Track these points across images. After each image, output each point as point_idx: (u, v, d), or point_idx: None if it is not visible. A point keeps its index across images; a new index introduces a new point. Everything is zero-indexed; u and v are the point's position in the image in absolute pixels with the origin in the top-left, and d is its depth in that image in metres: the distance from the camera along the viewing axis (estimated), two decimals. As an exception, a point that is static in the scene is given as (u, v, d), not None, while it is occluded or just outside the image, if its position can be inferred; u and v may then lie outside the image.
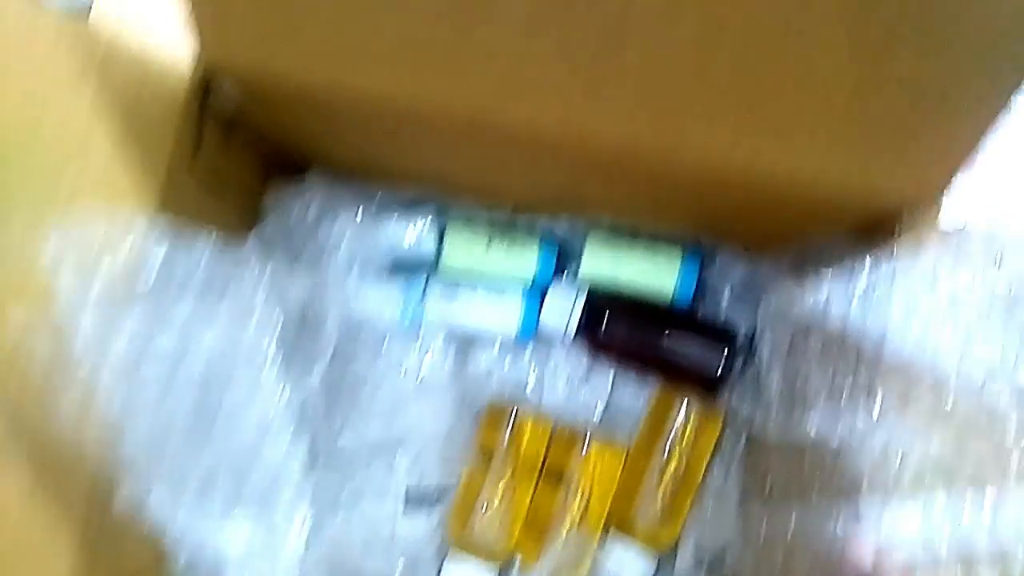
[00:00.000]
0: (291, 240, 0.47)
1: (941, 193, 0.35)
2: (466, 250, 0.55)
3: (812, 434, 0.37)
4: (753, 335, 0.52)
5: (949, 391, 0.34)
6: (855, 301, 0.35)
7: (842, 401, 0.36)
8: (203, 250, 0.34)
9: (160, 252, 0.33)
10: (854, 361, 0.35)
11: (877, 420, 0.34)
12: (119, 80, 0.36)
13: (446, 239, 0.55)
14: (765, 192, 0.38)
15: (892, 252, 0.36)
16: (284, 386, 0.36)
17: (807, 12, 0.29)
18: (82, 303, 0.31)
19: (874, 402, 0.35)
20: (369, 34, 0.35)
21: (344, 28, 0.35)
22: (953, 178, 0.34)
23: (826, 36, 0.30)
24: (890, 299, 0.34)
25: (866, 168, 0.34)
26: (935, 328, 0.34)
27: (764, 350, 0.40)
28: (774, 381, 0.39)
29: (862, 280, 0.34)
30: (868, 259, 0.35)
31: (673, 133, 0.35)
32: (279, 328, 0.35)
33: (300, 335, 0.43)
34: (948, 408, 0.34)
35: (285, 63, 0.36)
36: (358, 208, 0.52)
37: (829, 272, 0.38)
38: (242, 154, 0.45)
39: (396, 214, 0.54)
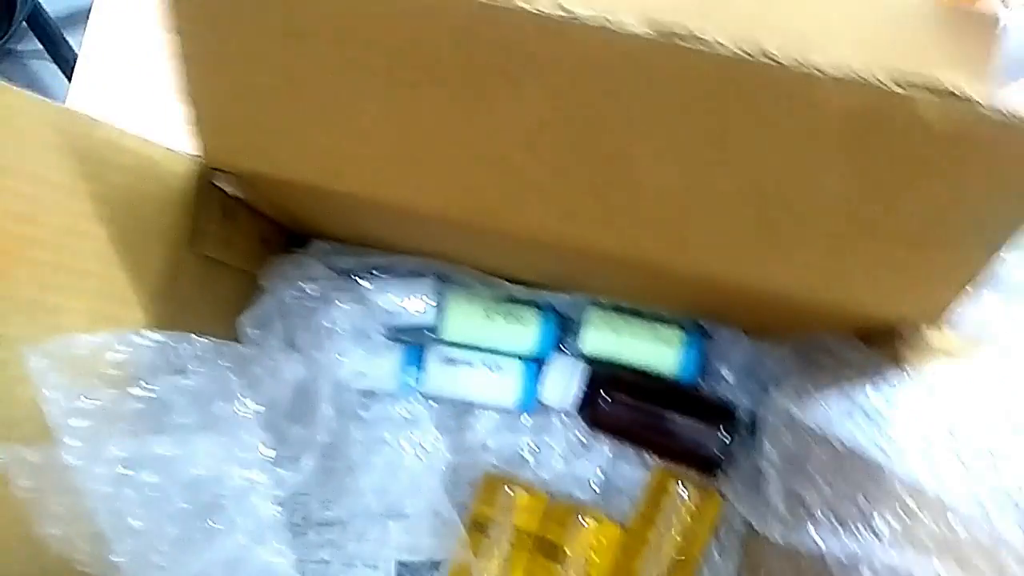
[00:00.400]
0: (287, 315, 0.46)
1: (944, 314, 0.34)
2: (466, 320, 0.54)
3: (813, 546, 0.37)
4: (754, 416, 0.51)
5: (953, 516, 0.33)
6: (857, 419, 0.34)
7: (844, 518, 0.35)
8: (194, 352, 0.34)
9: (150, 358, 0.32)
10: (857, 479, 0.35)
11: (880, 542, 0.34)
12: (118, 175, 0.36)
13: (446, 309, 0.54)
14: (766, 298, 0.37)
15: (895, 367, 0.35)
16: (276, 483, 0.36)
17: (813, 145, 0.29)
18: (69, 414, 0.31)
19: (876, 523, 0.34)
20: (370, 142, 0.34)
21: (345, 135, 0.34)
22: (957, 300, 0.33)
23: (832, 168, 0.29)
24: (893, 420, 0.34)
25: (868, 289, 0.33)
26: (938, 450, 0.34)
27: (767, 453, 0.39)
28: (776, 486, 0.39)
29: (865, 398, 0.34)
30: (870, 377, 0.35)
31: (676, 246, 0.35)
32: (269, 425, 0.35)
33: (293, 416, 0.43)
34: (952, 533, 0.33)
35: (284, 165, 0.36)
36: (356, 279, 0.51)
37: (831, 379, 0.37)
38: (240, 235, 0.45)
39: (395, 284, 0.53)
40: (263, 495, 0.35)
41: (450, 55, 0.30)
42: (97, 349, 0.32)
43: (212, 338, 0.36)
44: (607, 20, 0.28)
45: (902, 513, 0.34)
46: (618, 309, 0.54)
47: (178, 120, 0.35)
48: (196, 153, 0.38)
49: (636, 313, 0.53)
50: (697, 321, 0.52)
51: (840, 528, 0.34)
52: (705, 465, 0.53)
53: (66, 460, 0.30)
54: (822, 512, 0.36)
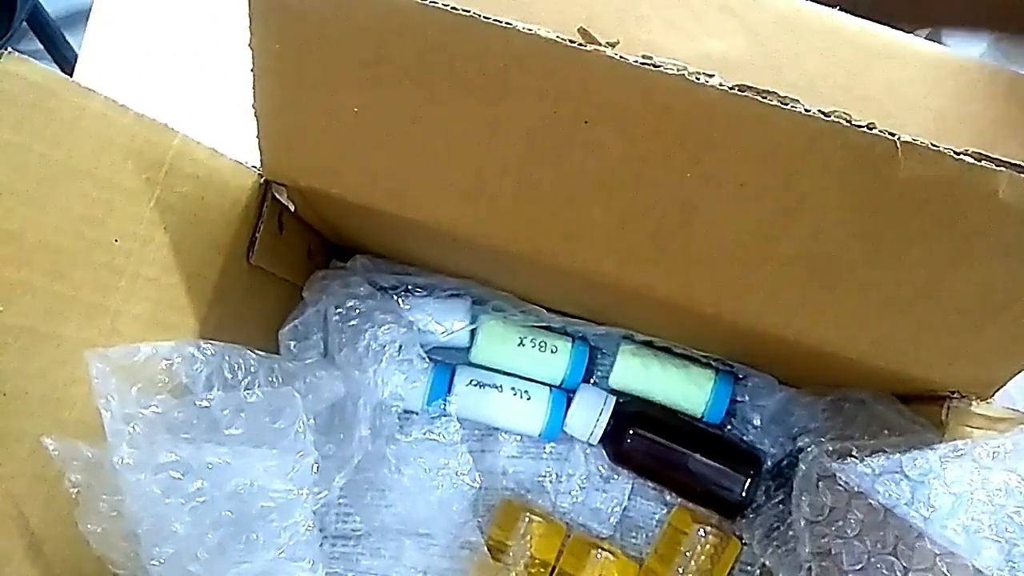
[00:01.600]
0: (328, 330, 0.46)
1: (994, 390, 0.34)
2: (498, 345, 0.55)
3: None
4: (779, 463, 0.51)
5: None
6: (898, 482, 0.34)
7: (875, 576, 0.35)
8: (247, 366, 0.34)
9: (206, 369, 0.33)
10: (891, 539, 0.35)
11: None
12: (185, 184, 0.36)
13: (479, 333, 0.54)
14: (814, 353, 0.37)
15: (937, 432, 0.35)
16: (315, 502, 0.36)
17: (884, 212, 0.29)
18: (125, 419, 0.31)
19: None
20: (438, 172, 0.35)
21: (414, 163, 0.35)
22: (1010, 377, 0.33)
23: (902, 236, 0.30)
24: (933, 486, 0.34)
25: (923, 358, 0.34)
26: (976, 518, 0.34)
27: (799, 504, 0.39)
28: (806, 538, 0.39)
29: (908, 461, 0.34)
30: (913, 440, 0.35)
31: (730, 297, 0.35)
32: (314, 450, 0.35)
33: (329, 434, 0.43)
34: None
35: (347, 186, 0.36)
36: (395, 297, 0.51)
37: (869, 437, 0.38)
38: (288, 247, 0.45)
39: (433, 304, 0.53)
40: (305, 511, 0.35)
41: (533, 98, 0.31)
42: (155, 358, 0.33)
43: (263, 352, 0.36)
44: (687, 71, 0.29)
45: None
46: (650, 345, 0.54)
47: (179, 120, 0.36)
48: (254, 165, 0.39)
49: (668, 351, 0.54)
50: (729, 363, 0.52)
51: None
52: (726, 509, 0.53)
53: (117, 461, 0.30)
54: (853, 569, 0.36)
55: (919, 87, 0.29)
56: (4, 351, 0.31)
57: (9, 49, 0.28)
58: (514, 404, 0.54)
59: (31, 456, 0.32)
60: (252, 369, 0.35)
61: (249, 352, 0.36)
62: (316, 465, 0.35)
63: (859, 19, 0.29)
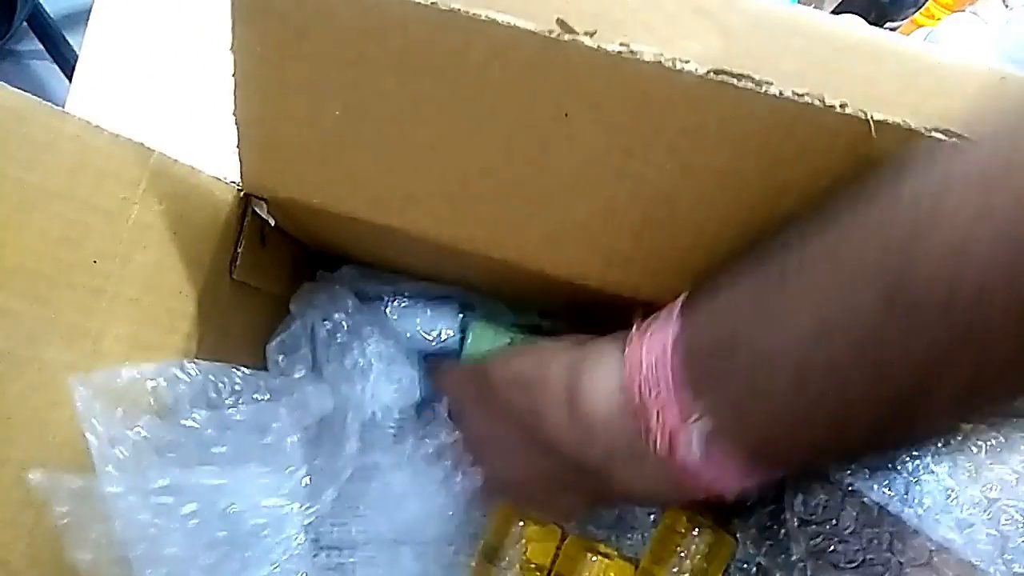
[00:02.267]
0: (316, 343, 0.46)
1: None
2: (488, 348, 0.54)
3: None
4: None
5: (980, 577, 0.34)
6: (893, 480, 0.34)
7: (871, 573, 0.35)
8: (233, 384, 0.34)
9: (191, 390, 0.33)
10: (885, 537, 0.35)
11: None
12: (165, 202, 0.36)
13: (469, 336, 0.54)
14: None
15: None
16: (305, 517, 0.36)
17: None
18: (112, 442, 0.31)
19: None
20: (418, 177, 0.34)
21: (395, 169, 0.34)
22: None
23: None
24: (928, 483, 0.34)
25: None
26: (972, 514, 0.34)
27: (793, 502, 0.39)
28: (799, 536, 0.39)
29: (898, 462, 0.34)
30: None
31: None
32: (303, 464, 0.35)
33: (319, 448, 0.43)
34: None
35: (329, 196, 0.36)
36: (383, 307, 0.51)
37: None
38: (271, 261, 0.45)
39: (421, 311, 0.53)
40: (297, 526, 0.35)
41: (514, 92, 0.31)
42: (139, 380, 0.32)
43: (249, 369, 0.36)
44: (663, 56, 0.29)
45: (931, 572, 0.34)
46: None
47: (178, 118, 0.35)
48: (232, 180, 0.39)
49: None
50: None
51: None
52: (722, 508, 0.53)
53: (106, 489, 0.30)
54: (847, 567, 0.36)
55: (895, 83, 0.29)
56: (-15, 377, 0.30)
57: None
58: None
59: (16, 483, 0.32)
60: (238, 387, 0.35)
61: (234, 370, 0.36)
62: (307, 479, 0.35)
63: (833, 17, 0.29)
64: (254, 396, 0.35)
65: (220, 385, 0.34)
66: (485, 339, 0.54)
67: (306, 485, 0.35)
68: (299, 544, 0.36)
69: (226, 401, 0.34)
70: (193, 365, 0.34)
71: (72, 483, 0.30)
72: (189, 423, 0.32)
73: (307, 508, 0.39)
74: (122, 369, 0.32)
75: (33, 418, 0.33)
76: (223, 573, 0.33)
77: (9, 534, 0.32)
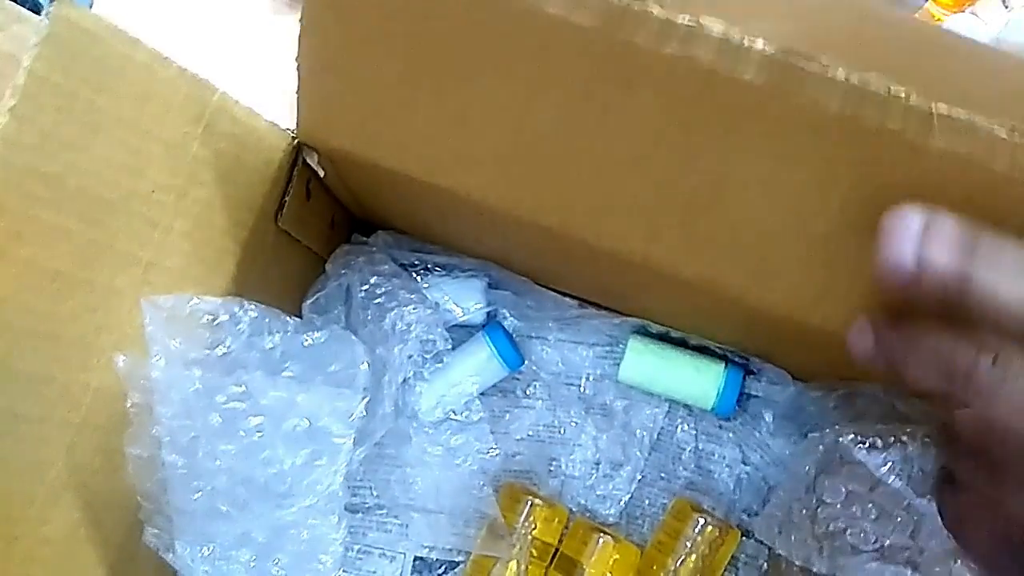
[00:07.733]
0: (351, 305, 0.47)
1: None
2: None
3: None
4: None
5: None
6: (913, 470, 0.35)
7: (891, 556, 0.36)
8: (284, 329, 0.35)
9: (249, 324, 0.33)
10: (907, 523, 0.35)
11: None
12: (223, 142, 0.36)
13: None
14: (835, 342, 0.38)
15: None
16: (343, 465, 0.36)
17: (923, 194, 0.30)
18: (180, 363, 0.31)
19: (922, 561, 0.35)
20: (475, 139, 0.35)
21: (452, 128, 0.35)
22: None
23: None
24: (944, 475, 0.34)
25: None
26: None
27: (817, 488, 0.40)
28: (822, 524, 0.39)
29: (922, 455, 0.34)
30: (927, 430, 0.35)
31: (756, 279, 0.35)
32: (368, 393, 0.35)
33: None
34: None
35: (375, 150, 0.36)
36: (414, 275, 0.52)
37: (884, 425, 0.38)
38: (314, 216, 0.46)
39: (451, 283, 0.54)
40: (346, 459, 0.35)
41: (577, 58, 0.31)
42: (200, 310, 0.33)
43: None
44: (732, 37, 0.29)
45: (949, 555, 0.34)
46: (662, 338, 0.54)
47: (238, 61, 0.36)
48: (288, 128, 0.39)
49: (681, 343, 0.54)
50: (744, 356, 0.53)
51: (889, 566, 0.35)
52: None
53: (189, 386, 0.30)
54: (868, 551, 0.37)
55: (961, 77, 0.29)
56: (39, 293, 0.31)
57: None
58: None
59: (60, 399, 0.33)
60: (290, 332, 0.35)
61: (287, 317, 0.36)
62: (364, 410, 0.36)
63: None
64: (303, 345, 0.36)
65: (274, 329, 0.35)
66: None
67: (362, 416, 0.35)
68: (340, 484, 0.36)
69: (279, 344, 0.35)
70: (253, 305, 0.35)
71: (153, 371, 0.31)
72: (265, 343, 0.33)
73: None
74: (191, 296, 0.33)
75: (79, 340, 0.33)
76: (269, 495, 0.33)
77: (50, 452, 0.33)
